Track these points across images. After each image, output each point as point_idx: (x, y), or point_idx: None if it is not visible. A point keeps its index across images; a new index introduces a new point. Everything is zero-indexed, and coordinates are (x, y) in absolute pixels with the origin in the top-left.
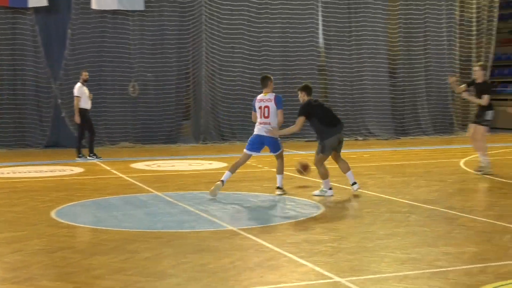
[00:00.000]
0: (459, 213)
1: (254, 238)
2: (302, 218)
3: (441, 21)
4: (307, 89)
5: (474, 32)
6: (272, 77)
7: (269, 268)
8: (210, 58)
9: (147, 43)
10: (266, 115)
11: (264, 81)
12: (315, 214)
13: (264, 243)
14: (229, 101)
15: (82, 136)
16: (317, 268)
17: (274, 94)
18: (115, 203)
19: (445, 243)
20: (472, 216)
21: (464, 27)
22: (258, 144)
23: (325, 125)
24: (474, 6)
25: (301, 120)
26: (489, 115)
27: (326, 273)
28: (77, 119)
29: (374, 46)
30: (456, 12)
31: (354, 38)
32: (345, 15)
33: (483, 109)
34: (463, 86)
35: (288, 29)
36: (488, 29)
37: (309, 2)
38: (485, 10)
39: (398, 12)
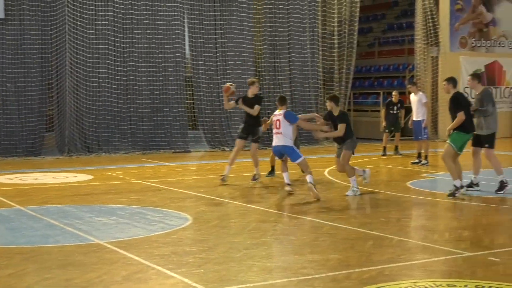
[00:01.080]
0: (324, 221)
1: (121, 251)
2: (170, 230)
3: (304, 34)
4: (335, 99)
5: (336, 45)
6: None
7: (137, 281)
8: (75, 69)
9: (8, 52)
10: (277, 126)
11: (281, 101)
12: (183, 226)
13: (131, 256)
14: (94, 112)
15: None
16: (186, 280)
17: (284, 110)
18: None
19: (311, 251)
20: (337, 224)
21: (326, 40)
22: (278, 153)
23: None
24: (336, 20)
25: (344, 126)
26: (259, 131)
27: (194, 284)
28: None
29: (240, 58)
30: (319, 26)
31: (221, 50)
32: (211, 26)
33: (256, 125)
34: (232, 102)
35: (154, 40)
36: (349, 43)
37: (174, 14)
38: (346, 24)
39: (263, 24)
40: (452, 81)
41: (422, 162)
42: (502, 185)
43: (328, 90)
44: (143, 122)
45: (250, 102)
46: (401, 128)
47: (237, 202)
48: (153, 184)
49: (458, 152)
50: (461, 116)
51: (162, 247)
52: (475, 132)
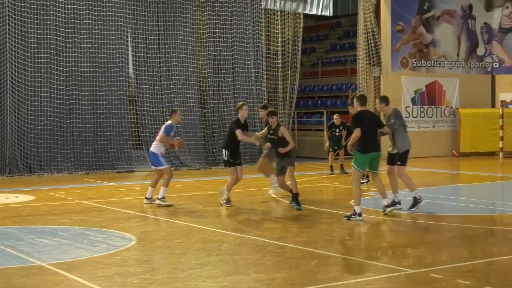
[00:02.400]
0: (269, 240)
1: (64, 273)
2: (113, 251)
3: (249, 54)
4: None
5: (280, 65)
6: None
7: None
8: (16, 88)
9: None
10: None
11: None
12: (126, 246)
13: (74, 277)
14: (36, 132)
15: None
16: None
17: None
18: None
19: (256, 270)
20: (281, 242)
21: (270, 60)
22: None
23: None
24: (279, 40)
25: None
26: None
27: None
28: None
29: (184, 77)
30: (263, 46)
31: (165, 69)
32: (155, 46)
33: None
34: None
35: (97, 59)
36: (293, 62)
37: (118, 33)
38: (289, 44)
39: (207, 44)
40: (360, 99)
41: (364, 181)
42: (416, 202)
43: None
44: (86, 142)
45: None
46: (343, 146)
47: (182, 222)
48: (96, 205)
49: (372, 172)
50: (357, 132)
51: (106, 268)
52: (389, 151)
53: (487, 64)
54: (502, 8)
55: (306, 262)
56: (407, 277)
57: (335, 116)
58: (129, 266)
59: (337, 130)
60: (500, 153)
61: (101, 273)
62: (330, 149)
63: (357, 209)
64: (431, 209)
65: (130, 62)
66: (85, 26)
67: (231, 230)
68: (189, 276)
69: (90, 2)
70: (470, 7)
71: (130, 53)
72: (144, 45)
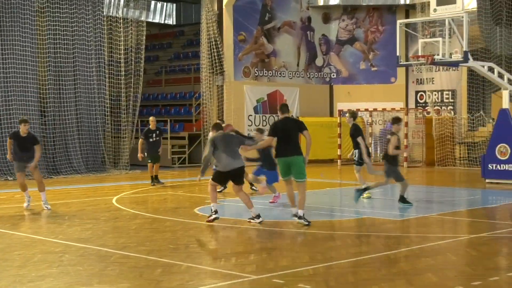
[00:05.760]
0: (112, 250)
1: None
2: None
3: (91, 61)
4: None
5: (123, 73)
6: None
7: None
8: None
9: None
10: None
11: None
12: None
13: None
14: None
15: None
16: None
17: None
18: None
19: (99, 281)
20: (125, 252)
21: (113, 67)
22: None
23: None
24: (122, 47)
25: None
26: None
27: None
28: None
29: (24, 84)
30: (105, 53)
31: (2, 75)
32: None
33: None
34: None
35: None
36: (136, 70)
37: None
38: (132, 51)
39: (47, 50)
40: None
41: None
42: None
43: (115, 117)
44: None
45: None
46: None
47: (21, 233)
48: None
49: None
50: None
51: None
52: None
53: (325, 75)
54: (338, 21)
55: (150, 271)
56: (250, 283)
57: (151, 118)
58: None
59: (154, 135)
60: (338, 161)
61: None
62: (149, 160)
63: (297, 211)
64: (273, 215)
65: None
66: None
67: (73, 240)
68: None
69: None
70: (309, 19)
71: None
72: None
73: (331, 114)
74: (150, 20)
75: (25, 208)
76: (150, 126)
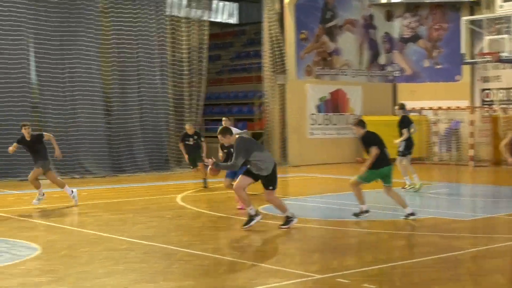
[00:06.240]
0: (177, 248)
1: None
2: (17, 260)
3: (154, 60)
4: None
5: (186, 72)
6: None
7: None
8: None
9: None
10: None
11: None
12: (31, 256)
13: None
14: None
15: None
16: None
17: None
18: None
19: (164, 278)
20: (190, 250)
21: (176, 67)
22: None
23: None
24: (185, 47)
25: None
26: None
27: None
28: None
29: (89, 84)
30: (168, 53)
31: (68, 75)
32: (58, 51)
33: None
34: None
35: None
36: (199, 69)
37: (19, 37)
38: (195, 51)
39: (112, 51)
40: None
41: None
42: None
43: (178, 117)
44: None
45: None
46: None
47: (88, 231)
48: (3, 214)
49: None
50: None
51: (9, 279)
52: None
53: (388, 73)
54: (401, 19)
55: (215, 269)
56: (314, 282)
57: (187, 126)
58: (34, 276)
59: (191, 139)
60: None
61: (5, 284)
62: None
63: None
64: (337, 215)
65: (33, 68)
66: None
67: (138, 238)
68: (95, 285)
69: None
70: (371, 17)
71: (32, 58)
72: (47, 51)
73: (394, 113)
74: (212, 19)
75: (33, 204)
76: (187, 131)
